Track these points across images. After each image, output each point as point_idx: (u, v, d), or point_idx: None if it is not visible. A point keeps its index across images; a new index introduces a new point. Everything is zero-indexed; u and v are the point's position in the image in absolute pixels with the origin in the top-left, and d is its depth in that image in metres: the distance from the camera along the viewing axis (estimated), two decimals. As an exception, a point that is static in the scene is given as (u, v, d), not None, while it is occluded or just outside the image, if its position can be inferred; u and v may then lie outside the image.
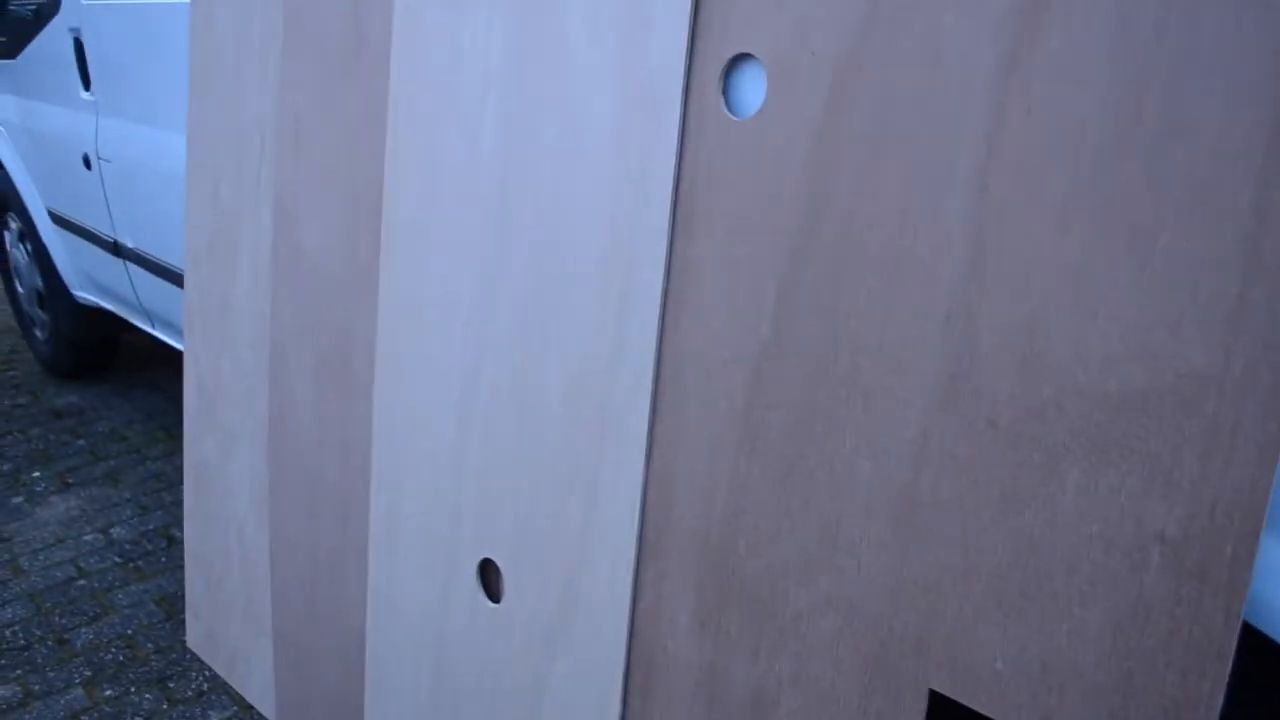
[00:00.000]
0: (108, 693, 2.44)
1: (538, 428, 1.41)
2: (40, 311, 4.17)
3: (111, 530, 3.14)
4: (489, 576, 1.56)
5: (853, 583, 1.13)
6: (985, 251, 1.00)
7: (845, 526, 1.12)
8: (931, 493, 1.06)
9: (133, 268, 3.18)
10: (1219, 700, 0.92)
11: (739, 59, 1.17)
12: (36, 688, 2.45)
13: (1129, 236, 0.92)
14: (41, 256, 3.93)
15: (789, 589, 1.18)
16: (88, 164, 3.20)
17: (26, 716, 2.35)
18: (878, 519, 1.10)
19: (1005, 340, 0.99)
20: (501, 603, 1.52)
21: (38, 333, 4.29)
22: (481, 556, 1.53)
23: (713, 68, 1.18)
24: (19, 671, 2.51)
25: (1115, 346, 0.93)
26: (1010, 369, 0.99)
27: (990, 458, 1.01)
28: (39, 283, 4.07)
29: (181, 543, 3.05)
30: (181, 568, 2.94)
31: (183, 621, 2.69)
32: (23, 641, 2.63)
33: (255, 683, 2.20)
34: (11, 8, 3.58)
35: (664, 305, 1.25)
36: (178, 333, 3.15)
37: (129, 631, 2.67)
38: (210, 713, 2.35)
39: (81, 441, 3.71)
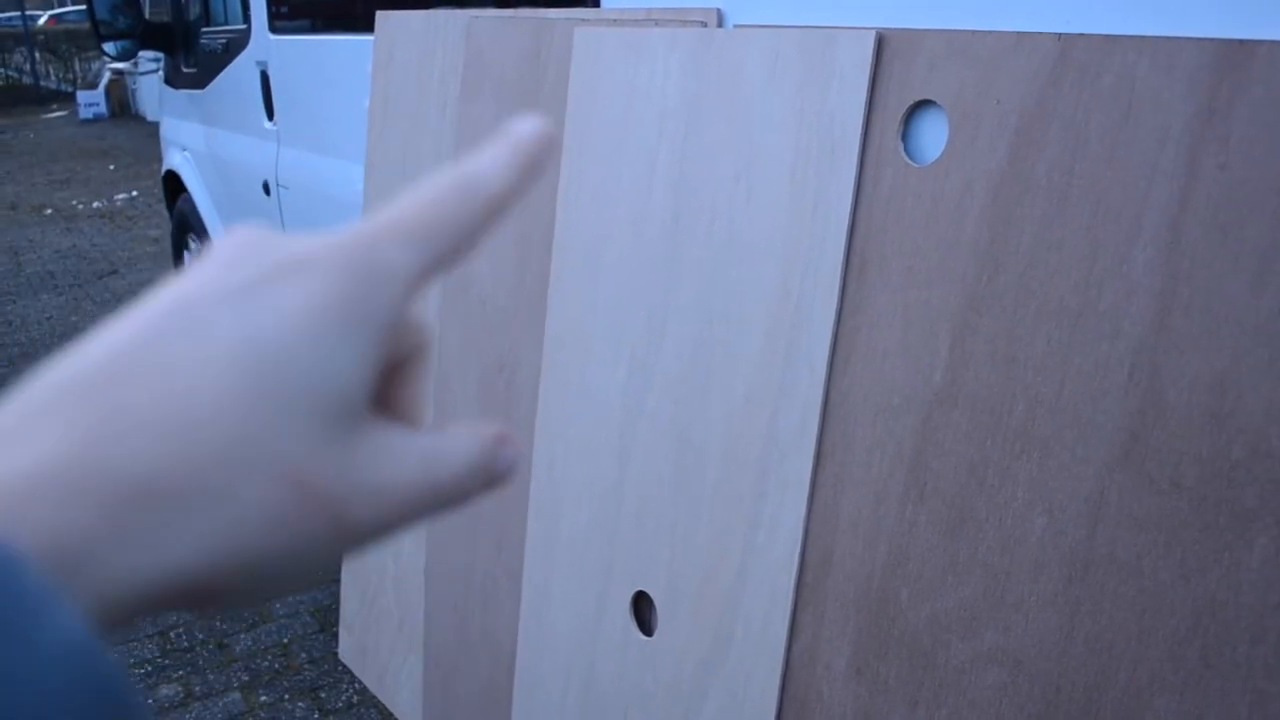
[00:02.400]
0: (263, 698, 2.52)
1: (698, 464, 1.42)
2: (213, 329, 4.37)
3: (271, 542, 3.25)
4: (642, 609, 1.57)
5: (1020, 639, 1.11)
6: (1173, 307, 0.97)
7: (1014, 581, 1.10)
8: (1107, 551, 1.03)
9: (304, 291, 3.30)
10: None
11: (920, 105, 1.17)
12: (197, 689, 2.56)
13: (1331, 297, 0.89)
14: (218, 277, 4.12)
15: (951, 641, 1.17)
16: (267, 190, 3.35)
17: (186, 716, 2.45)
18: (1049, 575, 1.08)
19: (1192, 398, 0.96)
20: (654, 636, 1.53)
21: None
22: (636, 589, 1.54)
23: (893, 113, 1.18)
24: (181, 672, 2.63)
25: (1312, 410, 0.90)
26: (1197, 428, 0.96)
27: (1172, 519, 0.98)
28: (214, 301, 4.26)
29: (336, 558, 3.14)
30: (337, 581, 3.04)
31: (336, 634, 2.77)
32: (186, 644, 2.75)
33: (403, 699, 2.26)
34: (203, 41, 3.78)
35: (833, 347, 1.25)
36: (342, 354, 3.26)
37: (285, 640, 2.76)
38: (359, 725, 2.42)
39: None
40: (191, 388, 0.27)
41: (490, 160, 0.34)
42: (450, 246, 0.33)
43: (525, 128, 0.35)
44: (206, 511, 0.27)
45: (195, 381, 0.28)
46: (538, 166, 0.34)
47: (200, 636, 2.78)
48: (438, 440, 0.32)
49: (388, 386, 0.33)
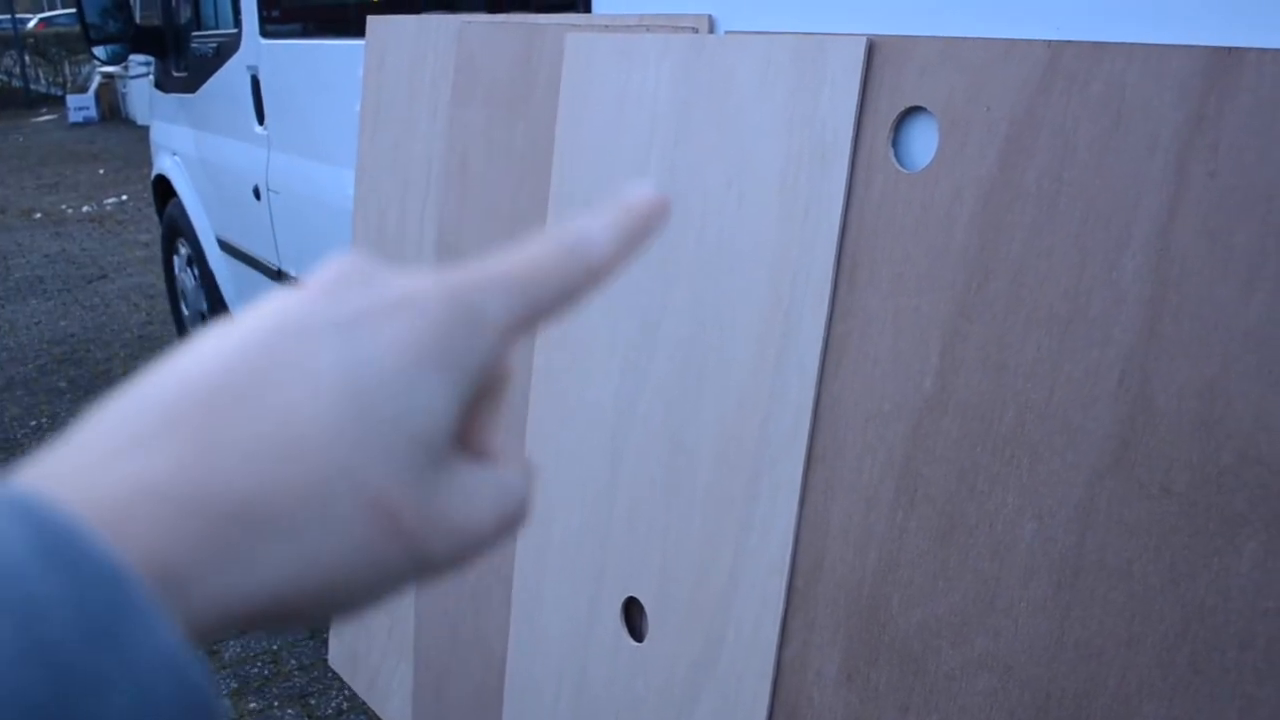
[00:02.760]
0: (252, 705, 2.52)
1: (690, 468, 1.42)
2: (203, 333, 4.36)
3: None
4: (633, 615, 1.57)
5: (1010, 644, 1.11)
6: (1163, 313, 0.98)
7: (1004, 587, 1.11)
8: (1097, 557, 1.03)
9: (294, 295, 3.30)
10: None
11: (911, 112, 1.17)
12: (187, 696, 2.54)
13: (1319, 304, 0.89)
14: (208, 281, 4.11)
15: (942, 647, 1.17)
16: (257, 195, 3.35)
17: (177, 723, 2.44)
18: (1039, 580, 1.08)
19: (1181, 404, 0.97)
20: (645, 642, 1.53)
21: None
22: (627, 595, 1.54)
23: (884, 120, 1.19)
24: (171, 679, 2.61)
25: (1301, 416, 0.90)
26: (1186, 434, 0.97)
27: (1162, 524, 0.99)
28: (204, 306, 4.25)
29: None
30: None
31: (326, 640, 2.76)
32: (176, 650, 2.74)
33: (394, 705, 2.25)
34: (193, 45, 3.78)
35: (824, 353, 1.25)
36: (333, 359, 3.26)
37: (274, 647, 2.76)
38: (349, 731, 2.41)
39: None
40: (296, 414, 0.28)
41: (601, 225, 0.35)
42: (548, 304, 0.34)
43: (639, 195, 0.35)
44: (300, 536, 0.28)
45: (300, 408, 0.29)
46: (647, 235, 0.35)
47: (189, 642, 2.77)
48: (504, 477, 0.34)
49: (468, 418, 0.34)
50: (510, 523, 0.33)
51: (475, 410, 0.34)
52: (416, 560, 0.31)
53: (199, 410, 0.28)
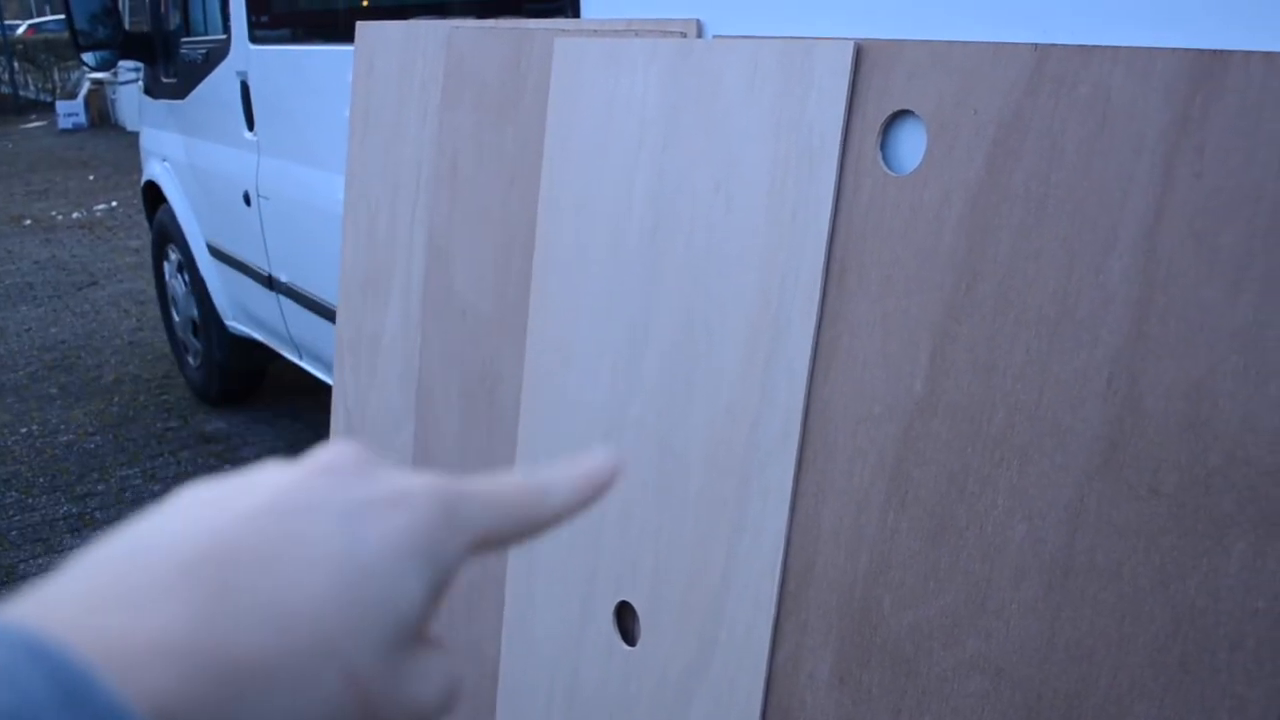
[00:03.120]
0: None
1: (681, 472, 1.42)
2: (194, 340, 4.36)
3: (253, 553, 3.24)
4: (626, 620, 1.57)
5: (1001, 646, 1.11)
6: (1150, 315, 0.98)
7: (995, 588, 1.11)
8: (1087, 558, 1.04)
9: (285, 301, 3.30)
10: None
11: (898, 115, 1.18)
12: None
13: (1305, 304, 0.89)
14: (198, 287, 4.11)
15: (934, 649, 1.17)
16: (247, 201, 3.35)
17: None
18: (1030, 582, 1.08)
19: (1169, 406, 0.97)
20: (637, 646, 1.53)
21: (190, 360, 4.48)
22: (619, 599, 1.54)
23: (871, 123, 1.19)
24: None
25: (1288, 417, 0.90)
26: (1175, 436, 0.97)
27: (1151, 525, 0.99)
28: (194, 312, 4.25)
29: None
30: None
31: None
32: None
33: (387, 711, 2.25)
34: (183, 51, 3.77)
35: (814, 356, 1.25)
36: (325, 365, 3.26)
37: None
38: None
39: (228, 466, 3.85)
40: (298, 585, 0.32)
41: (564, 481, 0.40)
42: (511, 530, 0.38)
43: (599, 465, 0.41)
44: (285, 697, 0.31)
45: (302, 580, 0.32)
46: (598, 497, 0.41)
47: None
48: (445, 662, 0.37)
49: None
50: (449, 704, 0.37)
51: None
52: None
53: (213, 573, 0.31)
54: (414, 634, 0.35)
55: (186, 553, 0.31)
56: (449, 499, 0.36)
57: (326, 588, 0.32)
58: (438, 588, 0.36)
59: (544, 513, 0.39)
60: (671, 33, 1.47)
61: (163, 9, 3.96)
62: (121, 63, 4.41)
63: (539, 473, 0.39)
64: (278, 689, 0.30)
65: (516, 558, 1.73)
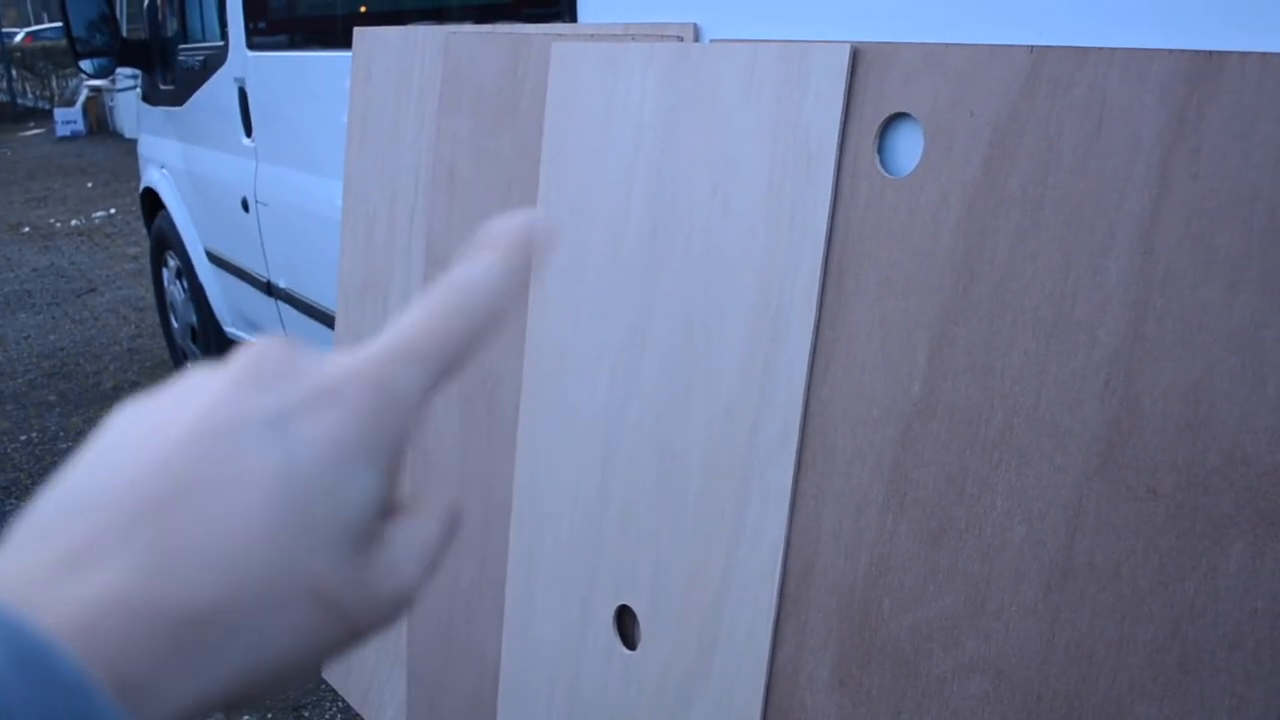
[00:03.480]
0: (245, 718, 2.51)
1: (680, 476, 1.42)
2: (193, 346, 4.35)
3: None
4: (626, 623, 1.57)
5: (1001, 647, 1.11)
6: (1147, 316, 0.98)
7: (994, 590, 1.11)
8: (1086, 559, 1.04)
9: (284, 307, 3.30)
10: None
11: (895, 118, 1.18)
12: (180, 710, 2.54)
13: (1302, 304, 0.90)
14: (197, 294, 4.11)
15: (934, 651, 1.17)
16: (245, 207, 3.34)
17: (170, 737, 2.43)
18: (1029, 583, 1.08)
19: (1167, 407, 0.97)
20: (637, 649, 1.53)
21: (190, 366, 4.48)
22: (619, 603, 1.54)
23: (868, 126, 1.19)
24: (164, 693, 2.61)
25: (1286, 417, 0.91)
26: (1173, 437, 0.97)
27: (1150, 526, 0.99)
28: (193, 319, 4.25)
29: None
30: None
31: (318, 652, 2.76)
32: (168, 664, 2.73)
33: (388, 716, 2.25)
34: (180, 58, 3.78)
35: (812, 358, 1.26)
36: (323, 371, 3.25)
37: (267, 659, 2.75)
38: (343, 743, 2.41)
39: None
40: (240, 519, 0.30)
41: (483, 266, 0.36)
42: (455, 359, 0.35)
43: (511, 224, 0.37)
44: (251, 634, 0.30)
45: (242, 512, 0.30)
46: (525, 264, 0.36)
47: (182, 656, 2.76)
48: (418, 528, 0.35)
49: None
50: (430, 568, 0.35)
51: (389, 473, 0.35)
52: (353, 634, 0.33)
53: (150, 518, 0.29)
54: (373, 527, 0.33)
55: (124, 502, 0.30)
56: (381, 377, 0.33)
57: (270, 508, 0.30)
58: (391, 469, 0.34)
59: (479, 317, 0.35)
60: (668, 37, 1.47)
61: (160, 16, 3.96)
62: (120, 70, 4.41)
63: (455, 276, 0.35)
64: (242, 626, 0.29)
65: (516, 561, 1.74)
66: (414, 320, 0.35)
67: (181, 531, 0.29)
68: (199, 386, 0.33)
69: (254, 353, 0.34)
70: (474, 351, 0.35)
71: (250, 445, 0.31)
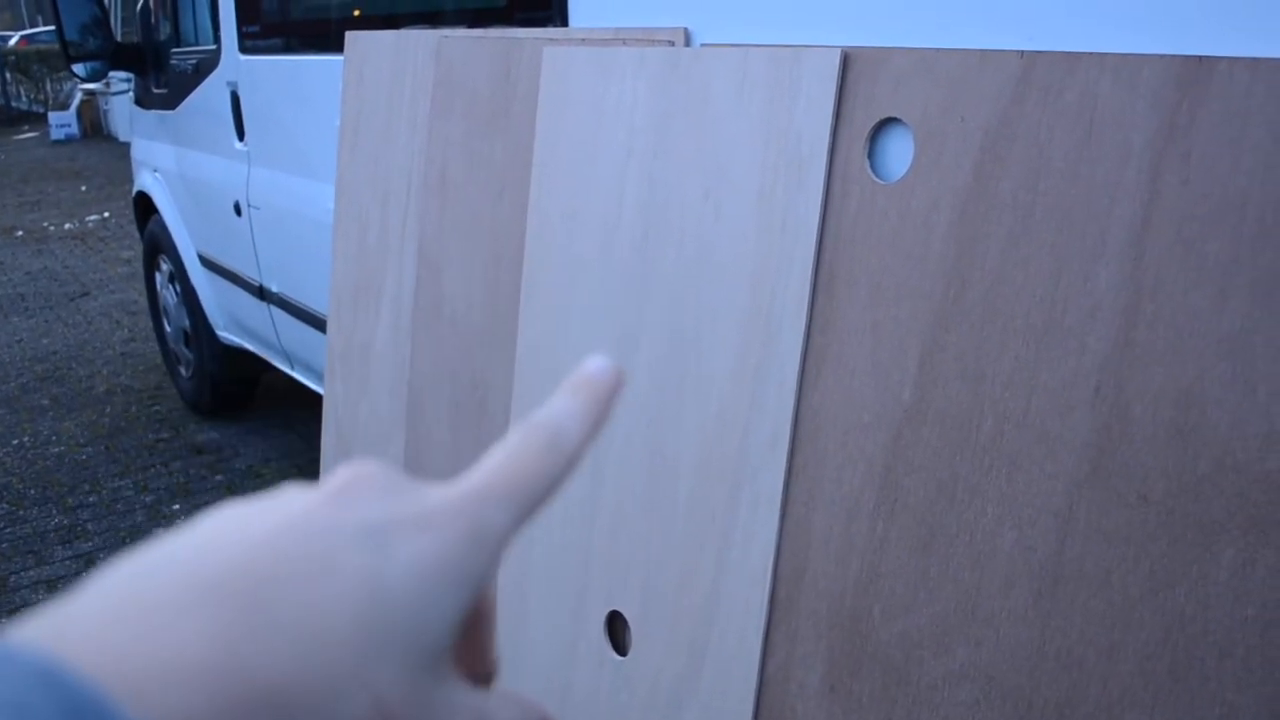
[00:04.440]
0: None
1: (671, 481, 1.42)
2: (186, 350, 4.34)
3: (245, 564, 3.23)
4: (617, 630, 1.56)
5: (991, 654, 1.11)
6: (1138, 322, 0.98)
7: (985, 596, 1.11)
8: (1076, 566, 1.03)
9: (276, 311, 3.29)
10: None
11: (886, 122, 1.18)
12: None
13: (1292, 311, 0.89)
14: (190, 298, 4.10)
15: (924, 658, 1.17)
16: (238, 211, 3.34)
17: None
18: (1019, 590, 1.08)
19: (1158, 413, 0.97)
20: (628, 656, 1.52)
21: (182, 370, 4.47)
22: (610, 609, 1.54)
23: (859, 131, 1.19)
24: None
25: (1276, 423, 0.90)
26: (1163, 443, 0.97)
27: (1140, 533, 0.99)
28: (186, 323, 4.24)
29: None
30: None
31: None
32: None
33: (379, 722, 2.24)
34: (173, 62, 3.77)
35: (803, 364, 1.25)
36: (316, 375, 3.25)
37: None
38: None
39: (220, 477, 3.84)
40: (322, 606, 0.31)
41: (570, 412, 0.37)
42: (540, 502, 0.36)
43: (595, 370, 0.38)
44: (305, 718, 0.30)
45: (327, 601, 0.31)
46: (610, 409, 0.38)
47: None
48: (485, 704, 0.36)
49: (464, 635, 0.37)
50: None
51: (470, 627, 0.37)
52: None
53: (235, 592, 0.30)
54: (444, 660, 0.34)
55: (208, 571, 0.30)
56: (471, 514, 0.35)
57: (352, 610, 0.31)
58: (469, 607, 0.34)
59: (565, 460, 0.36)
60: (659, 41, 1.47)
61: (153, 20, 3.95)
62: (114, 73, 4.40)
63: (543, 418, 0.37)
64: (303, 710, 0.29)
65: (508, 568, 1.73)
66: (504, 459, 0.36)
67: (264, 608, 0.30)
68: (293, 494, 0.35)
69: (353, 469, 0.35)
70: (556, 493, 0.37)
71: (344, 547, 0.32)
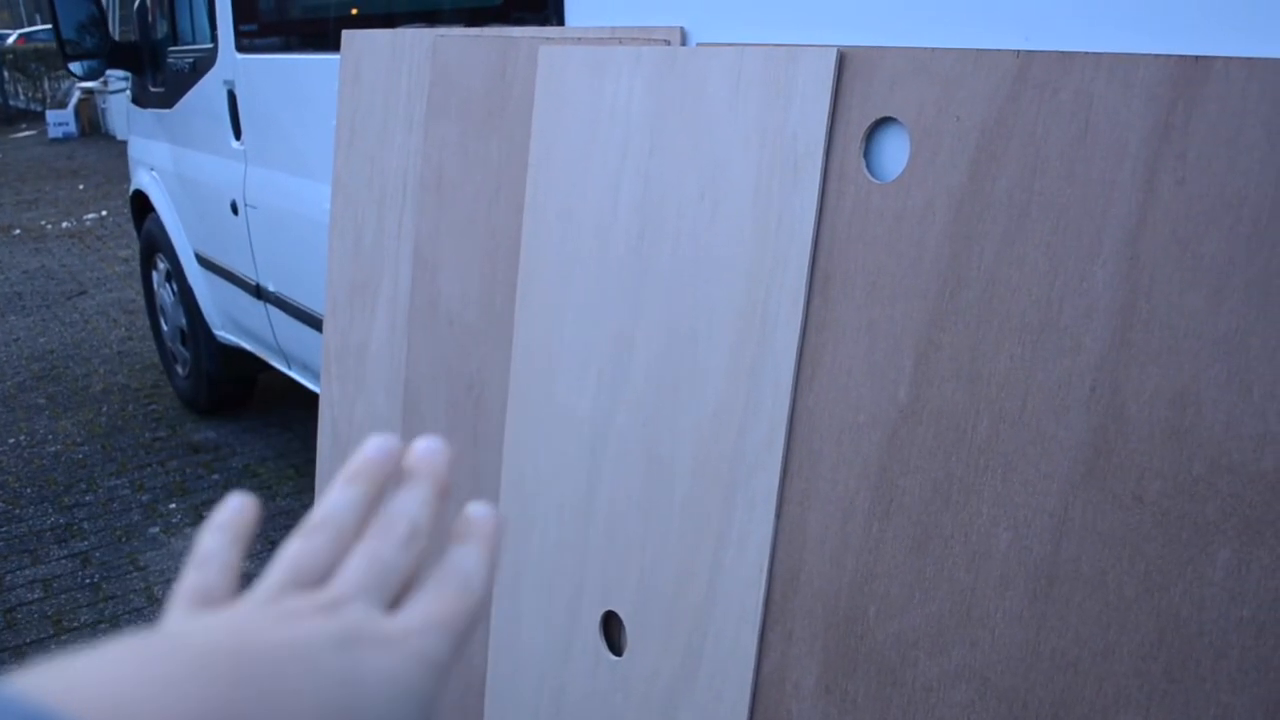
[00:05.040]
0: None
1: (666, 482, 1.42)
2: (183, 349, 4.34)
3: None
4: (612, 630, 1.56)
5: (986, 655, 1.11)
6: (1133, 322, 0.98)
7: (980, 597, 1.10)
8: (1072, 566, 1.03)
9: (273, 310, 3.29)
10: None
11: (882, 122, 1.17)
12: None
13: (1288, 311, 0.89)
14: (186, 297, 4.09)
15: (919, 659, 1.16)
16: (235, 210, 3.33)
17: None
18: (1014, 591, 1.08)
19: (1153, 414, 0.97)
20: (624, 656, 1.52)
21: (179, 369, 4.46)
22: (605, 609, 1.54)
23: (855, 130, 1.19)
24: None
25: (1271, 424, 0.90)
26: (1158, 443, 0.96)
27: (1135, 533, 0.99)
28: (183, 322, 4.23)
29: (307, 579, 3.11)
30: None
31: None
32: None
33: (375, 722, 2.24)
34: (170, 61, 3.76)
35: (799, 364, 1.25)
36: (313, 375, 3.24)
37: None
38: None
39: (216, 476, 3.84)
40: (303, 694, 0.34)
41: (470, 557, 0.43)
42: (467, 635, 0.41)
43: (485, 525, 0.44)
44: None
45: (308, 692, 0.34)
46: (500, 548, 0.44)
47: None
48: None
49: None
50: None
51: None
52: None
53: (228, 667, 0.33)
54: None
55: (200, 645, 0.33)
56: (424, 643, 0.39)
57: (327, 704, 0.34)
58: None
59: (475, 602, 0.42)
60: (655, 40, 1.46)
61: (150, 18, 3.95)
62: (113, 71, 4.40)
63: (449, 569, 0.42)
64: None
65: (503, 570, 1.73)
66: (429, 601, 0.41)
67: (252, 684, 0.33)
68: (290, 598, 0.39)
69: (331, 594, 0.40)
70: (475, 630, 0.42)
71: (324, 649, 0.36)
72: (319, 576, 0.41)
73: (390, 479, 0.44)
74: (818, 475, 1.25)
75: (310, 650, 0.35)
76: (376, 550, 0.41)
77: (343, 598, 0.40)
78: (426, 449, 0.45)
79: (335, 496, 0.43)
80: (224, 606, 0.39)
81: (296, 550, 0.41)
